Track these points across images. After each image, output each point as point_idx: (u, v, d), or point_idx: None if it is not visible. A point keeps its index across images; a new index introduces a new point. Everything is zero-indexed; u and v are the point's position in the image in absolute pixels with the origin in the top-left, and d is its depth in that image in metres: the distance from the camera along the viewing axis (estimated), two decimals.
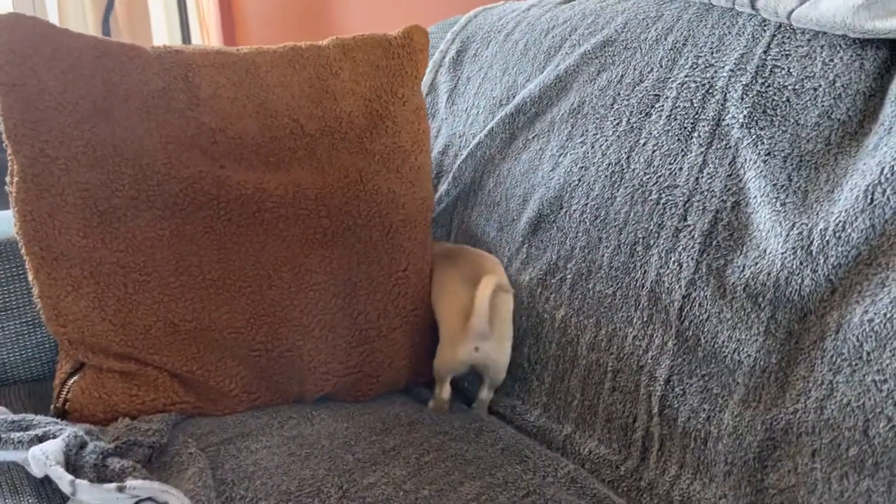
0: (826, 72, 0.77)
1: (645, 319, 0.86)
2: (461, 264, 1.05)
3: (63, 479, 0.71)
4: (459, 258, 1.07)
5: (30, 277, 0.88)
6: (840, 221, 0.70)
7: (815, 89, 0.77)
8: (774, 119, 0.80)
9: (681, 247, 0.84)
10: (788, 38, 0.82)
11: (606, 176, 0.94)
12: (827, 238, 0.71)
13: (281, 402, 0.99)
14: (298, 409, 0.97)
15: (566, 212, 0.98)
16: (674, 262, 0.84)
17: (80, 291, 0.88)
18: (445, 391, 1.00)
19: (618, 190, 0.93)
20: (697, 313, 0.81)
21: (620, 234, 0.91)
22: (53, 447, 0.74)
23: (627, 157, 0.92)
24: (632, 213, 0.90)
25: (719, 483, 0.76)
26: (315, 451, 0.86)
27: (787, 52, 0.81)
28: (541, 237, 1.01)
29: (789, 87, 0.79)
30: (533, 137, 1.06)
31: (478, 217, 1.12)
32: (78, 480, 0.70)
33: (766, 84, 0.81)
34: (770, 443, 0.73)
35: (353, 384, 1.00)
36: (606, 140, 0.96)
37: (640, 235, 0.89)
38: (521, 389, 1.01)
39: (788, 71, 0.80)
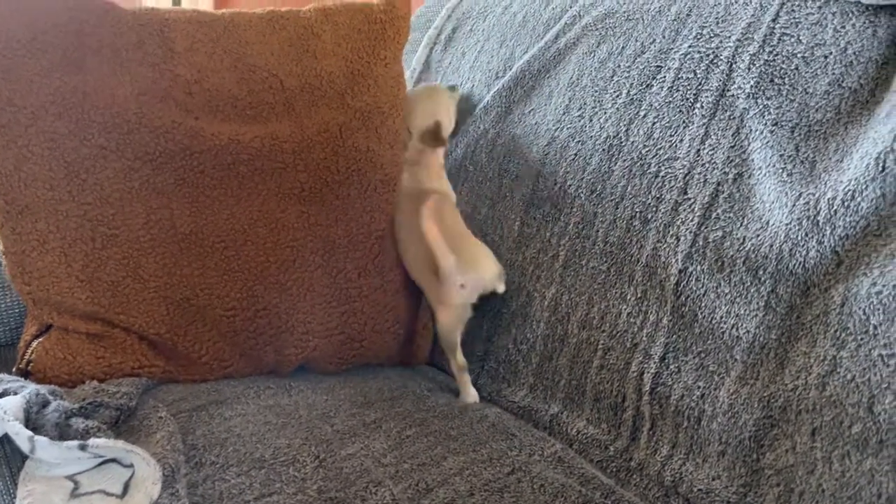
0: (837, 39, 0.75)
1: (639, 296, 0.83)
2: (405, 207, 0.98)
3: (21, 434, 0.66)
4: (404, 200, 1.00)
5: None
6: (849, 190, 0.67)
7: (826, 57, 0.75)
8: (782, 88, 0.77)
9: (679, 220, 0.81)
10: (798, 5, 0.79)
11: (604, 150, 0.91)
12: (835, 208, 0.68)
13: (255, 373, 0.94)
14: (276, 380, 0.93)
15: (561, 187, 0.95)
16: (671, 235, 0.81)
17: (46, 246, 0.84)
18: (460, 355, 0.94)
19: (615, 164, 0.89)
20: (694, 288, 0.78)
21: (617, 208, 0.88)
22: (13, 403, 0.70)
23: (626, 130, 0.89)
24: (629, 187, 0.87)
25: (713, 463, 0.73)
26: (292, 421, 0.82)
27: (797, 20, 0.78)
28: (534, 214, 0.98)
29: (798, 56, 0.77)
30: (529, 111, 1.03)
31: (468, 193, 1.09)
32: (37, 437, 0.66)
33: (775, 53, 0.79)
34: (767, 421, 0.70)
35: (335, 349, 0.96)
36: (605, 113, 0.92)
37: (637, 210, 0.86)
38: (506, 372, 0.97)
39: (798, 39, 0.77)
